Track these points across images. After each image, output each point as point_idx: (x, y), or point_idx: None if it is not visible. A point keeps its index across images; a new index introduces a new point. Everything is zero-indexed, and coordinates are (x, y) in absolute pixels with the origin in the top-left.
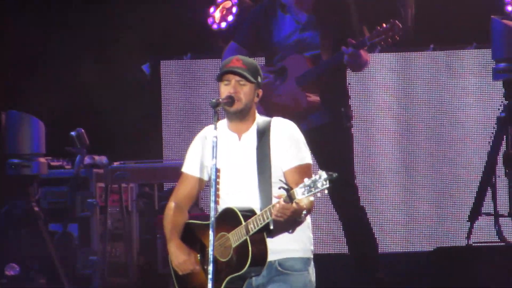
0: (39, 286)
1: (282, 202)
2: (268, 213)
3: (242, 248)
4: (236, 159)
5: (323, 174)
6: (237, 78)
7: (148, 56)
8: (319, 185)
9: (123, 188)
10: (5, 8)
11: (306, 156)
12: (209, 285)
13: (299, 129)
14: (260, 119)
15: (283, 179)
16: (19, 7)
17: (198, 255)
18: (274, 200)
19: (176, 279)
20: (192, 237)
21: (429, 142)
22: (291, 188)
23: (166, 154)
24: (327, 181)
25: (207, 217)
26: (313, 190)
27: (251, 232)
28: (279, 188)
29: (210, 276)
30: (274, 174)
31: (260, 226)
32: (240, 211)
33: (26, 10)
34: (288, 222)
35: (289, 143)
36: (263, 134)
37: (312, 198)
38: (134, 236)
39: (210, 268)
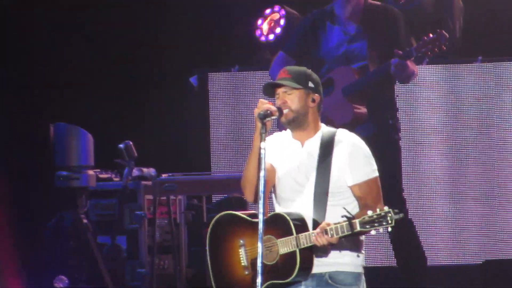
0: None
1: (320, 234)
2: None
3: (289, 257)
4: (297, 165)
5: (391, 214)
6: (283, 89)
7: (196, 69)
8: (384, 223)
9: (171, 200)
10: (53, 17)
11: (374, 170)
12: None
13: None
14: (326, 129)
15: (342, 190)
16: (64, 17)
17: (240, 250)
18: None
19: (213, 273)
20: (236, 230)
21: (478, 155)
22: (353, 218)
23: (214, 166)
24: (393, 221)
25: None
26: (376, 226)
27: (301, 247)
28: (342, 216)
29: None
30: (333, 184)
31: (309, 244)
32: (292, 220)
33: (74, 20)
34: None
35: (354, 156)
36: (327, 144)
37: (373, 232)
38: (182, 248)
39: (259, 280)
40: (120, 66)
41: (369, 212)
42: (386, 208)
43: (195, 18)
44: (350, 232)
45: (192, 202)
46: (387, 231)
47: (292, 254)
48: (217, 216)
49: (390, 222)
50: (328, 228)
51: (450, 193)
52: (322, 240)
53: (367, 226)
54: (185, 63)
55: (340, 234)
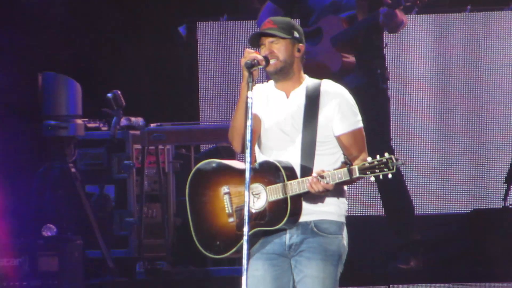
0: (76, 247)
1: (315, 180)
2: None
3: (279, 204)
4: (283, 115)
5: (393, 160)
6: (270, 39)
7: (185, 18)
8: (385, 169)
9: (160, 149)
10: None
11: (359, 120)
12: (244, 246)
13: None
14: (310, 80)
15: (329, 140)
16: None
17: (224, 198)
18: (317, 167)
19: (193, 222)
20: (220, 178)
21: (466, 103)
22: (352, 164)
23: (202, 116)
24: (394, 167)
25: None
26: (377, 172)
27: (293, 193)
28: (342, 162)
29: (245, 238)
30: (320, 133)
31: (301, 192)
32: (282, 167)
33: None
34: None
35: (341, 106)
36: (313, 94)
37: (372, 179)
38: (171, 197)
39: (245, 229)
40: (108, 15)
41: (369, 158)
42: (387, 154)
43: None
44: (348, 178)
45: (180, 151)
46: (375, 180)
47: (282, 201)
48: (199, 164)
49: (391, 168)
50: (325, 174)
51: (438, 143)
52: (318, 187)
53: (368, 172)
54: (174, 12)
55: (337, 180)
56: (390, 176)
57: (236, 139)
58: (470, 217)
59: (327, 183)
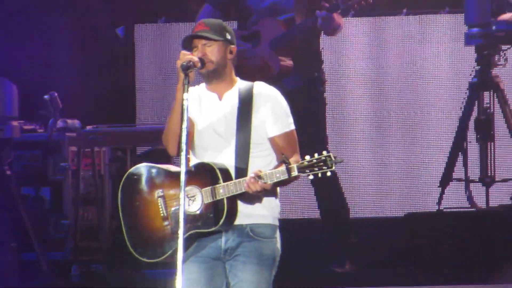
0: (11, 250)
1: (252, 180)
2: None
3: (215, 206)
4: (217, 117)
5: (331, 158)
6: (202, 41)
7: (123, 20)
8: (324, 167)
9: (96, 152)
10: None
11: (292, 122)
12: (180, 242)
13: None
14: (242, 82)
15: (263, 142)
16: None
17: (159, 201)
18: (252, 168)
19: (126, 226)
20: (153, 182)
21: (401, 106)
22: (289, 163)
23: (139, 118)
24: (333, 165)
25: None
26: (315, 170)
27: (229, 194)
28: (280, 161)
29: (180, 241)
30: (254, 135)
31: (237, 192)
32: (218, 168)
33: None
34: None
35: (275, 108)
36: (246, 96)
37: (311, 177)
38: (107, 200)
39: (180, 233)
40: (46, 16)
41: (307, 157)
42: (325, 152)
43: None
44: (286, 177)
45: (117, 154)
46: (311, 181)
47: (218, 203)
48: (130, 169)
49: (330, 166)
50: (262, 173)
51: (374, 147)
52: (255, 187)
53: (307, 171)
54: (112, 14)
55: (275, 180)
56: (328, 174)
57: (171, 142)
58: (404, 220)
59: (264, 182)
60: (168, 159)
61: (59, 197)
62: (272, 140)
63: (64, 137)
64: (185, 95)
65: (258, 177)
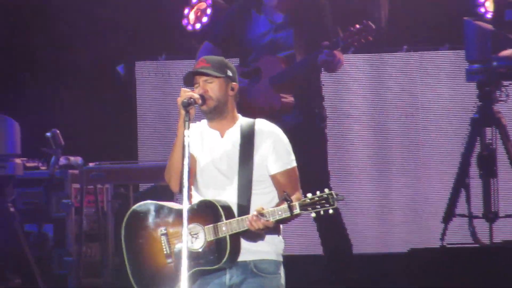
0: (14, 286)
1: (255, 218)
2: (247, 222)
3: (218, 243)
4: (219, 155)
5: (333, 196)
6: (204, 78)
7: (123, 57)
8: (326, 205)
9: (98, 189)
10: None
11: (293, 159)
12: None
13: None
14: (244, 119)
15: (265, 179)
16: None
17: (162, 239)
18: (254, 206)
19: (130, 264)
20: (156, 219)
21: (403, 143)
22: (291, 201)
23: (141, 155)
24: (335, 203)
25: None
26: (317, 208)
27: (232, 232)
28: (282, 199)
29: (183, 271)
30: (256, 173)
31: (240, 230)
32: (220, 206)
33: None
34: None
35: (276, 146)
36: (248, 133)
37: (313, 215)
38: (109, 237)
39: (184, 268)
40: (47, 54)
41: (309, 195)
42: (327, 190)
43: (122, 6)
44: (288, 215)
45: (119, 191)
46: (313, 219)
47: (220, 240)
48: (134, 206)
49: (332, 203)
50: (264, 211)
51: (376, 183)
52: (257, 224)
53: (309, 208)
54: (112, 51)
55: (277, 217)
56: (331, 211)
57: (173, 178)
58: (407, 256)
59: (267, 220)
60: (170, 196)
61: (62, 234)
62: (273, 178)
63: (66, 174)
64: (186, 132)
65: (261, 214)
